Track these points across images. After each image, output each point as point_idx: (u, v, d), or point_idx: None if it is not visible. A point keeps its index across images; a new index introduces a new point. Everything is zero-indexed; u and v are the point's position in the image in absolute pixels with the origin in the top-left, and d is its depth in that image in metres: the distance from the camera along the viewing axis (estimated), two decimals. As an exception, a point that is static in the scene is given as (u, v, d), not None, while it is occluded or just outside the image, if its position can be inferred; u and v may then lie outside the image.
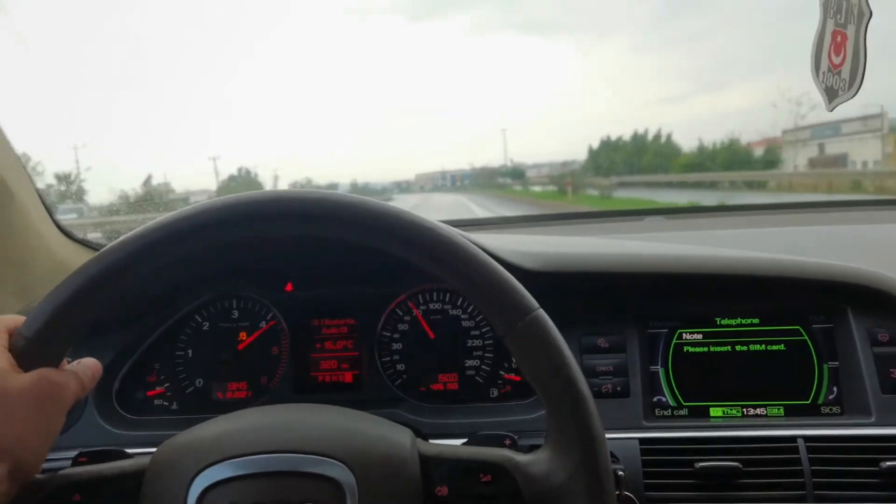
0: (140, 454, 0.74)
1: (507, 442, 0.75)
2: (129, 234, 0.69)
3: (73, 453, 0.78)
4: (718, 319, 1.11)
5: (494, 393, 1.15)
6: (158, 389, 1.15)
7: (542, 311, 0.68)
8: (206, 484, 0.64)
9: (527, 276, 0.71)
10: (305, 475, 0.65)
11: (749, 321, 1.10)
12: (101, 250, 0.68)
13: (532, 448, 0.71)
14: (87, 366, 0.71)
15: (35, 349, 0.65)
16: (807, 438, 0.98)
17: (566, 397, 0.66)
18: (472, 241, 0.71)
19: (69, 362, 0.71)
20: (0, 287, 1.15)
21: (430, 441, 0.73)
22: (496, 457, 0.69)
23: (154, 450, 0.71)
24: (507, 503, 0.67)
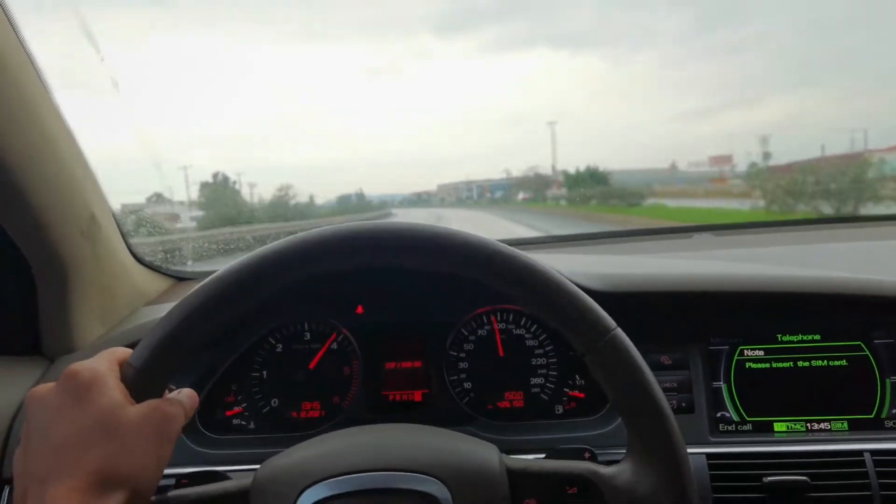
0: (239, 471, 0.78)
1: (587, 455, 0.78)
2: (229, 266, 0.72)
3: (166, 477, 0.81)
4: (780, 336, 1.13)
5: (560, 410, 1.18)
6: (236, 409, 1.20)
7: (620, 331, 0.72)
8: (311, 502, 0.68)
9: (593, 296, 0.74)
10: (404, 492, 0.68)
11: (810, 337, 1.12)
12: (204, 281, 0.72)
13: (609, 462, 0.74)
14: (188, 395, 0.74)
15: (144, 380, 0.68)
16: (873, 452, 1.00)
17: (649, 413, 0.69)
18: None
19: (170, 391, 0.75)
20: (87, 314, 1.21)
21: (514, 456, 0.76)
22: (581, 469, 0.72)
23: (241, 467, 0.74)
24: None
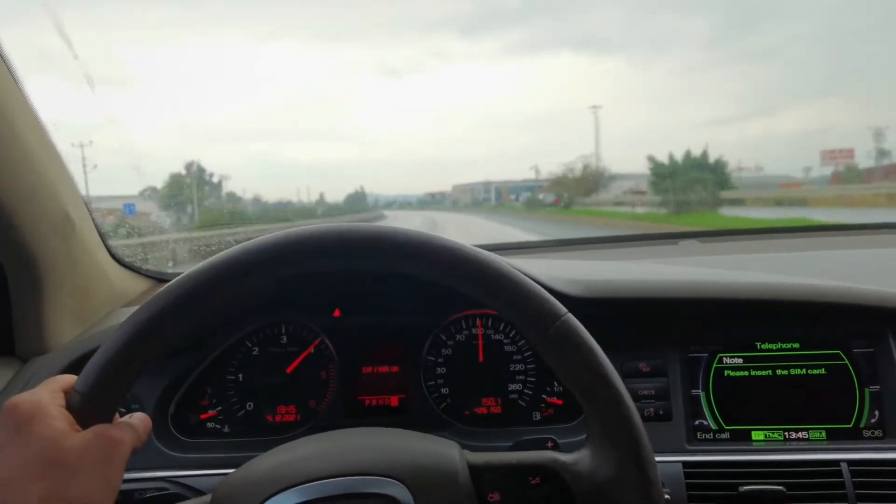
0: (212, 476, 0.76)
1: (550, 444, 0.77)
2: (173, 281, 0.70)
3: (131, 476, 0.79)
4: (759, 344, 1.12)
5: (537, 416, 1.17)
6: (211, 413, 1.19)
7: (571, 316, 0.70)
8: None
9: (569, 301, 0.73)
10: (364, 496, 0.67)
11: (789, 346, 1.11)
12: (152, 296, 0.69)
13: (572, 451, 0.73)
14: (140, 419, 0.72)
15: (90, 406, 0.67)
16: (850, 462, 0.99)
17: (603, 394, 0.68)
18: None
19: (121, 415, 0.73)
20: (60, 314, 1.20)
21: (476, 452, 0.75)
22: (542, 459, 0.71)
23: (214, 472, 0.73)
24: (558, 503, 0.69)
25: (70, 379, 0.69)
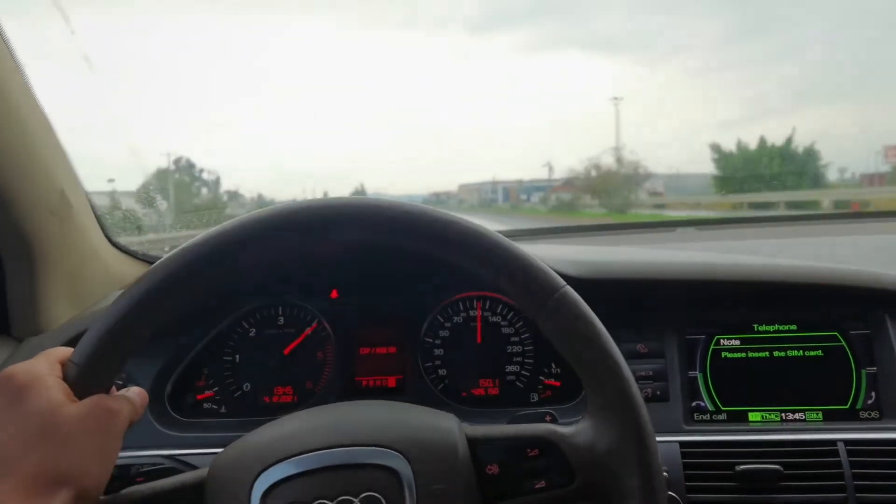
0: (207, 455, 0.76)
1: (548, 418, 0.77)
2: (169, 254, 0.70)
3: (128, 455, 0.78)
4: (756, 326, 1.12)
5: (535, 398, 1.17)
6: (208, 393, 1.18)
7: (569, 288, 0.70)
8: (267, 485, 0.66)
9: (567, 281, 0.73)
10: (362, 467, 0.67)
11: (786, 327, 1.12)
12: (148, 270, 0.69)
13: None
14: (137, 392, 0.72)
15: (87, 377, 0.66)
16: (847, 442, 0.99)
17: (602, 366, 0.68)
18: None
19: (118, 388, 0.72)
20: (56, 296, 1.19)
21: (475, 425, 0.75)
22: (541, 431, 0.71)
23: (211, 451, 0.73)
24: (557, 475, 0.69)
25: (67, 351, 0.69)
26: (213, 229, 0.71)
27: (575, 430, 0.70)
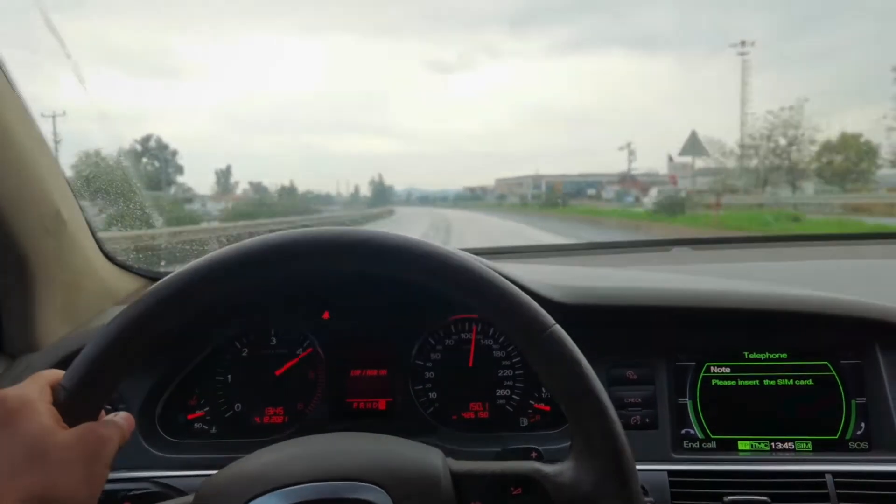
0: (197, 476, 0.76)
1: (534, 455, 0.78)
2: (163, 280, 0.71)
3: (116, 477, 0.79)
4: (746, 353, 1.12)
5: (524, 422, 1.17)
6: (198, 413, 1.19)
7: (558, 327, 0.71)
8: None
9: (556, 308, 0.74)
10: (345, 501, 0.67)
11: (777, 356, 1.12)
12: (139, 296, 0.70)
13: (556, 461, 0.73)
14: (124, 417, 0.72)
15: (77, 401, 0.67)
16: (835, 474, 0.99)
17: (586, 405, 0.69)
18: (493, 268, 0.74)
19: (107, 412, 0.73)
20: (50, 309, 1.20)
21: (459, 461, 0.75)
22: (525, 469, 0.72)
23: (200, 473, 0.73)
24: None
25: (57, 374, 0.70)
26: (207, 255, 0.72)
27: (559, 469, 0.70)
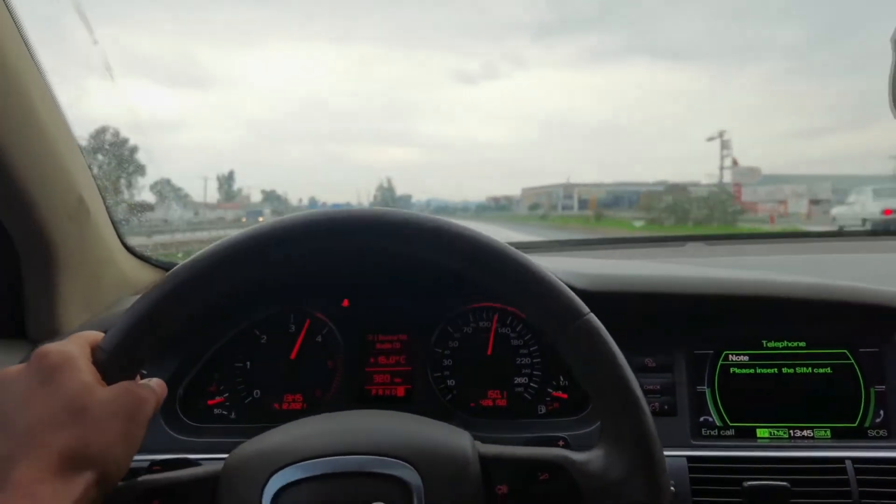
0: (210, 460, 0.78)
1: (561, 443, 0.78)
2: (202, 250, 0.72)
3: (141, 456, 0.81)
4: (765, 342, 1.12)
5: (542, 410, 1.18)
6: (218, 399, 1.20)
7: (593, 315, 0.71)
8: (280, 485, 0.67)
9: (579, 294, 0.74)
10: (374, 476, 0.68)
11: (795, 344, 1.12)
12: (175, 267, 0.72)
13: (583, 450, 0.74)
14: (157, 383, 0.74)
15: (116, 363, 0.68)
16: (855, 460, 0.99)
17: (619, 396, 0.69)
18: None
19: (142, 377, 0.74)
20: (72, 299, 1.21)
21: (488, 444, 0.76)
22: (553, 455, 0.72)
23: (220, 456, 0.74)
24: (565, 500, 0.69)
25: (97, 336, 0.71)
26: (246, 230, 0.73)
27: (588, 457, 0.71)
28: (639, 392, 0.69)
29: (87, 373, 0.65)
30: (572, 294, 0.71)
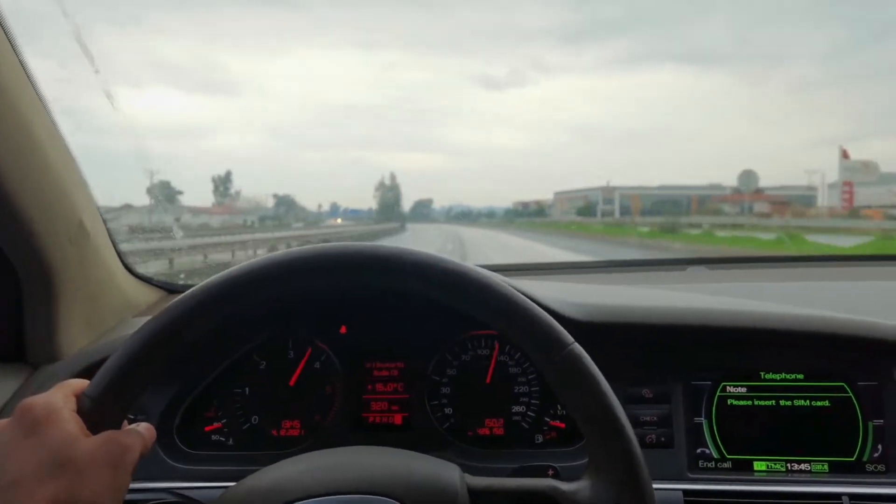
0: (213, 488, 0.78)
1: (551, 472, 0.78)
2: (186, 293, 0.72)
3: (135, 487, 0.80)
4: (763, 373, 1.12)
5: (540, 439, 1.17)
6: (216, 425, 1.20)
7: (577, 345, 0.72)
8: None
9: (573, 325, 0.74)
10: None
11: (793, 376, 1.11)
12: (163, 308, 0.72)
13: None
14: (146, 428, 0.74)
15: (101, 411, 0.69)
16: (851, 496, 0.99)
17: (604, 424, 0.69)
18: (511, 285, 0.75)
19: (130, 421, 0.75)
20: (72, 322, 1.22)
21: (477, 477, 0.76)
22: (542, 486, 0.72)
23: (217, 484, 0.74)
24: None
25: (82, 383, 0.71)
26: (228, 270, 0.74)
27: (576, 487, 0.71)
28: (624, 420, 0.70)
29: (71, 423, 0.66)
30: (556, 324, 0.72)
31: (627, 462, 0.68)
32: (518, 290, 0.73)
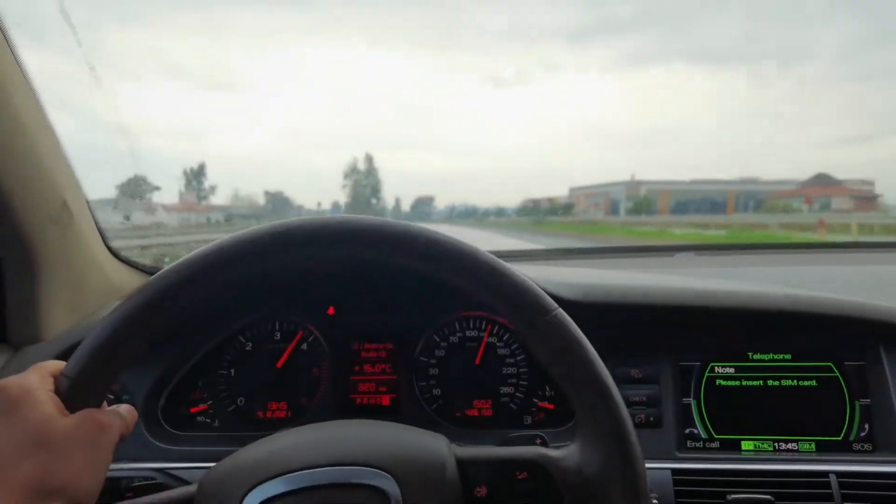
0: (199, 469, 0.76)
1: (538, 441, 0.78)
2: (163, 270, 0.70)
3: (119, 467, 0.78)
4: (751, 354, 1.12)
5: (528, 420, 1.17)
6: (201, 406, 1.18)
7: (561, 311, 0.71)
8: (257, 502, 0.67)
9: (564, 305, 0.74)
10: (351, 486, 0.67)
11: (781, 357, 1.12)
12: (139, 287, 0.70)
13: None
14: (127, 409, 0.73)
15: (79, 390, 0.67)
16: (839, 474, 0.99)
17: (591, 389, 0.69)
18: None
19: (111, 402, 0.73)
20: (54, 304, 1.20)
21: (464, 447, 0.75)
22: (530, 454, 0.72)
23: (202, 465, 0.73)
24: (545, 498, 0.69)
25: (59, 364, 0.70)
26: (206, 246, 0.71)
27: (564, 453, 0.70)
28: (611, 384, 0.69)
29: (47, 403, 0.65)
30: (539, 290, 0.71)
31: (615, 426, 0.68)
32: (498, 258, 0.72)
